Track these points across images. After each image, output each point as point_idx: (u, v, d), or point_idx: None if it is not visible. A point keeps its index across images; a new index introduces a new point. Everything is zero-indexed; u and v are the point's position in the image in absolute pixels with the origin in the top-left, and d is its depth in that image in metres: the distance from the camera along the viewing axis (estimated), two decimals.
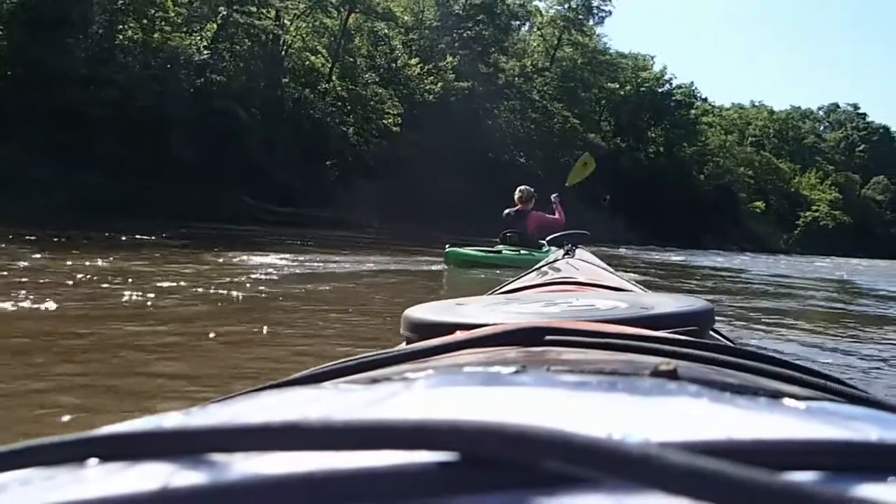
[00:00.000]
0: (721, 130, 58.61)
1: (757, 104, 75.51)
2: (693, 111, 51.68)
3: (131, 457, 0.25)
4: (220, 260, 7.20)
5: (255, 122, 23.13)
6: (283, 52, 26.19)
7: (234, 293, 4.65)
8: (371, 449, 0.23)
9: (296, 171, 24.14)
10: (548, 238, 3.92)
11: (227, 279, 5.35)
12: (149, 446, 0.25)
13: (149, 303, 4.01)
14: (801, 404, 0.32)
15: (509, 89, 36.63)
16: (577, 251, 2.95)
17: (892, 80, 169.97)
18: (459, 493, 0.22)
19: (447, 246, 7.46)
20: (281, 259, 7.52)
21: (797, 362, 0.48)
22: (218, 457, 0.24)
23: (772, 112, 76.41)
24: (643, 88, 48.87)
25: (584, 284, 1.35)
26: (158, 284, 4.71)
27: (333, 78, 27.32)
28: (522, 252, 7.38)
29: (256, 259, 7.38)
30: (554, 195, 8.21)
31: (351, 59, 27.44)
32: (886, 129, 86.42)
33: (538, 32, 42.67)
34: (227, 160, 20.88)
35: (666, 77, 50.31)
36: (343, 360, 0.47)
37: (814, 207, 65.44)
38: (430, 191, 29.16)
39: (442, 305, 0.83)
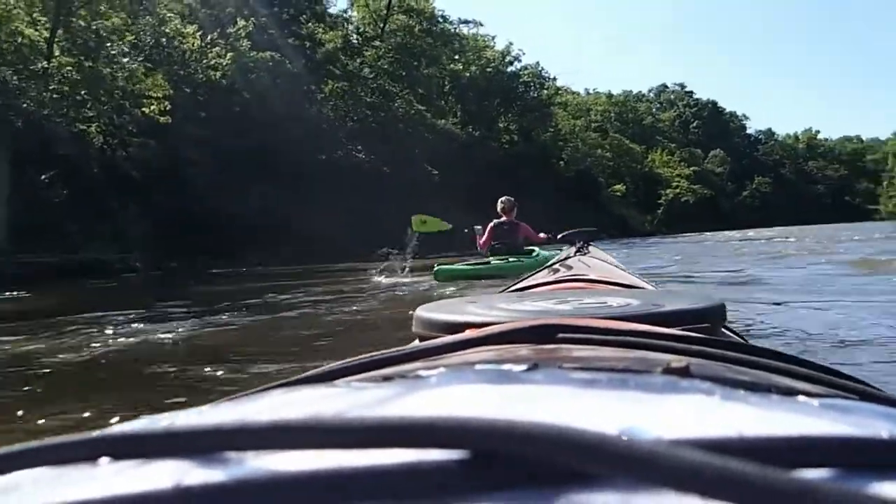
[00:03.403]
0: (569, 116, 55.19)
1: (591, 91, 74.22)
2: (545, 91, 46.23)
3: (144, 455, 0.25)
4: None
5: None
6: None
7: None
8: (383, 447, 0.23)
9: None
10: (559, 235, 3.43)
11: None
12: (161, 445, 0.26)
13: None
14: (814, 401, 0.32)
15: (333, 65, 28.31)
16: (591, 248, 2.76)
17: (711, 58, 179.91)
18: (471, 491, 0.22)
19: (435, 265, 7.60)
20: None
21: (810, 359, 0.48)
22: (231, 455, 0.24)
23: (610, 96, 75.24)
24: (489, 69, 42.56)
25: (595, 282, 1.33)
26: None
27: (56, 53, 17.65)
28: (511, 259, 7.33)
29: None
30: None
31: (83, 25, 17.80)
32: (714, 103, 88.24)
33: None
34: None
35: (513, 54, 44.29)
36: (355, 358, 0.47)
37: (674, 184, 64.14)
38: (229, 208, 20.36)
39: (453, 303, 0.84)
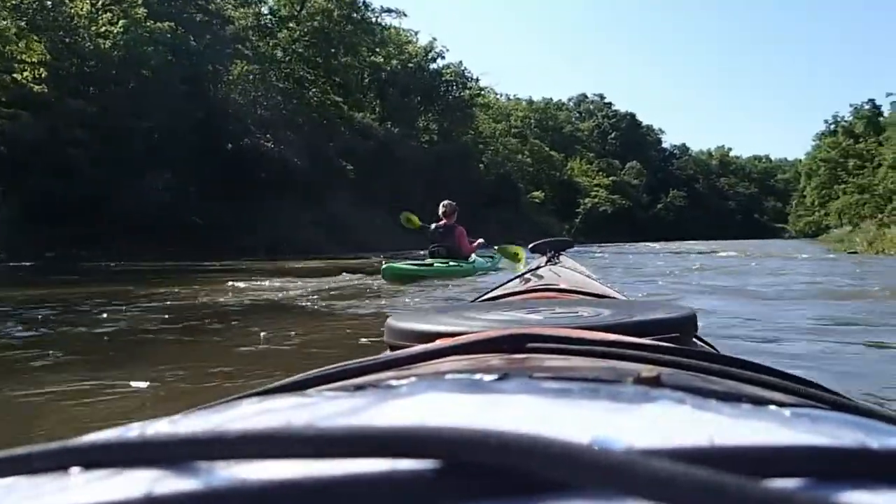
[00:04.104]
0: (490, 119, 54.56)
1: (511, 97, 74.26)
2: (468, 91, 45.25)
3: (115, 465, 0.25)
4: None
5: None
6: None
7: None
8: (355, 456, 0.23)
9: None
10: (530, 245, 3.30)
11: None
12: (133, 454, 0.25)
13: None
14: (785, 411, 0.32)
15: (243, 45, 26.19)
16: (561, 258, 2.73)
17: (632, 70, 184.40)
18: (443, 500, 0.22)
19: (383, 261, 7.78)
20: None
21: (781, 369, 0.48)
22: (202, 465, 0.24)
23: (531, 102, 75.28)
24: (411, 64, 41.21)
25: (566, 291, 1.35)
26: None
27: None
28: (451, 263, 7.91)
29: None
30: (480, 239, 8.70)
31: None
32: (632, 115, 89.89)
33: None
34: None
35: (437, 50, 43.00)
36: (327, 367, 0.47)
37: (592, 194, 64.52)
38: (117, 195, 18.33)
39: (425, 313, 0.84)
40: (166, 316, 5.05)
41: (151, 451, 0.25)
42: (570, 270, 2.16)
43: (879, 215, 38.41)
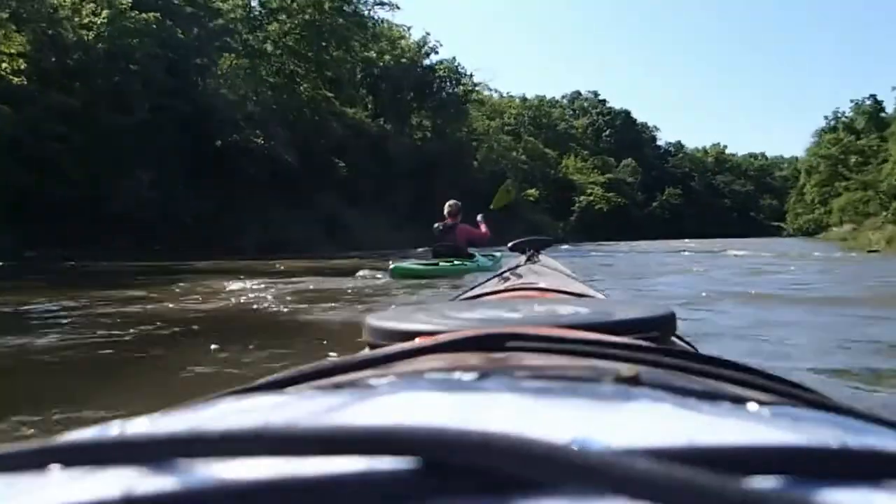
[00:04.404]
0: (483, 116, 54.05)
1: (504, 95, 73.75)
2: (461, 87, 44.77)
3: (94, 463, 0.25)
4: None
5: None
6: None
7: None
8: (334, 455, 0.23)
9: None
10: (510, 244, 3.27)
11: None
12: (112, 453, 0.25)
13: None
14: (765, 410, 0.32)
15: (231, 38, 25.55)
16: (541, 257, 2.72)
17: (626, 67, 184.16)
18: (422, 499, 0.22)
19: (391, 262, 8.15)
20: None
21: (761, 368, 0.48)
22: (181, 463, 0.24)
23: (525, 99, 74.75)
24: (404, 59, 40.68)
25: (546, 290, 1.35)
26: None
27: None
28: (456, 262, 8.27)
29: None
30: (479, 215, 8.97)
31: None
32: (627, 112, 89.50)
33: None
34: None
35: (430, 45, 42.49)
36: (306, 366, 0.47)
37: (588, 191, 63.95)
38: (102, 193, 17.78)
39: (403, 312, 0.83)
40: (131, 324, 4.56)
41: (130, 449, 0.25)
42: (550, 269, 2.13)
43: (884, 213, 38.05)
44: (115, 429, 0.31)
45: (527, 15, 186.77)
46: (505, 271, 2.00)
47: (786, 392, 0.41)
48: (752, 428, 0.29)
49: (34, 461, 0.26)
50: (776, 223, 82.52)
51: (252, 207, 22.34)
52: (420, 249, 12.79)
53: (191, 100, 21.79)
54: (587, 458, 0.20)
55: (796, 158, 78.92)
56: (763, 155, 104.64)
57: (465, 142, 45.25)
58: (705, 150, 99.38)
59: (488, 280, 1.87)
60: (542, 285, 1.42)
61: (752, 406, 0.33)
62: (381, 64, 38.92)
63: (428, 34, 42.98)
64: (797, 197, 66.78)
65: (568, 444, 0.22)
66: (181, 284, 7.78)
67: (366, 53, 36.26)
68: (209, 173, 21.81)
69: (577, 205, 63.17)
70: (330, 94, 30.10)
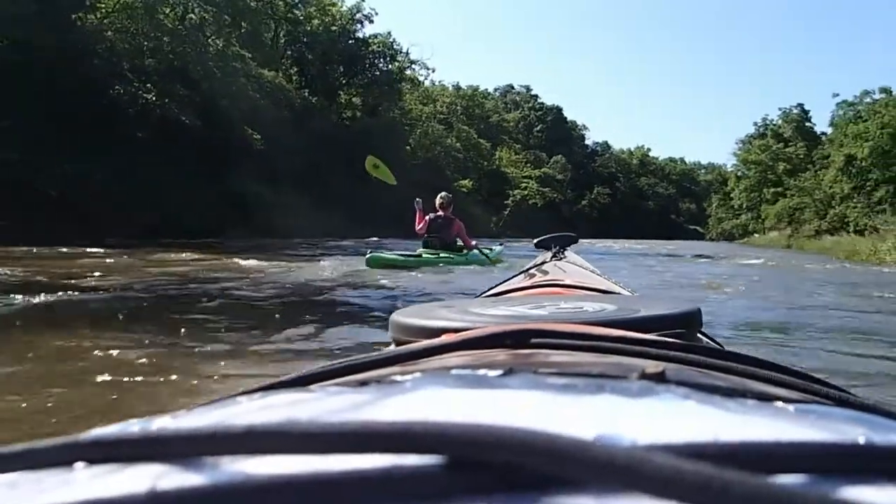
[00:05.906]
0: (417, 101, 50.52)
1: (437, 83, 70.32)
2: (396, 64, 40.83)
3: (119, 460, 0.25)
4: None
5: None
6: None
7: None
8: (359, 452, 0.23)
9: None
10: (535, 241, 3.24)
11: None
12: (137, 449, 0.25)
13: None
14: (790, 407, 0.32)
15: None
16: (567, 253, 2.71)
17: (558, 64, 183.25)
18: (448, 496, 0.22)
19: (368, 252, 7.95)
20: None
21: (786, 365, 0.48)
22: (206, 460, 0.24)
23: (458, 88, 71.65)
24: (335, 27, 36.37)
25: (571, 287, 1.35)
26: None
27: None
28: (442, 255, 8.26)
29: None
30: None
31: None
32: (559, 109, 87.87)
33: None
34: None
35: (364, 12, 38.19)
36: (331, 363, 0.47)
37: (522, 185, 61.32)
38: None
39: (429, 309, 0.84)
40: None
41: (156, 446, 0.25)
42: (575, 266, 2.10)
43: (818, 221, 37.42)
44: (139, 425, 0.31)
45: (462, 2, 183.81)
46: (531, 267, 2.02)
47: (812, 389, 0.40)
48: (779, 425, 0.29)
49: (59, 457, 0.26)
50: (694, 227, 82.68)
51: (140, 178, 17.78)
52: (373, 239, 11.26)
53: (63, 41, 17.03)
54: (614, 455, 0.20)
55: (713, 165, 79.09)
56: (682, 160, 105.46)
57: (399, 123, 41.34)
58: (630, 152, 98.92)
59: (514, 277, 1.91)
60: (567, 282, 1.41)
61: (777, 403, 0.33)
62: (309, 29, 34.47)
63: (362, 1, 38.63)
64: (720, 202, 66.59)
65: (594, 441, 0.22)
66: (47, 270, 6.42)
67: (291, 14, 31.74)
68: (83, 132, 17.09)
69: (511, 198, 60.43)
70: (245, 53, 25.48)
